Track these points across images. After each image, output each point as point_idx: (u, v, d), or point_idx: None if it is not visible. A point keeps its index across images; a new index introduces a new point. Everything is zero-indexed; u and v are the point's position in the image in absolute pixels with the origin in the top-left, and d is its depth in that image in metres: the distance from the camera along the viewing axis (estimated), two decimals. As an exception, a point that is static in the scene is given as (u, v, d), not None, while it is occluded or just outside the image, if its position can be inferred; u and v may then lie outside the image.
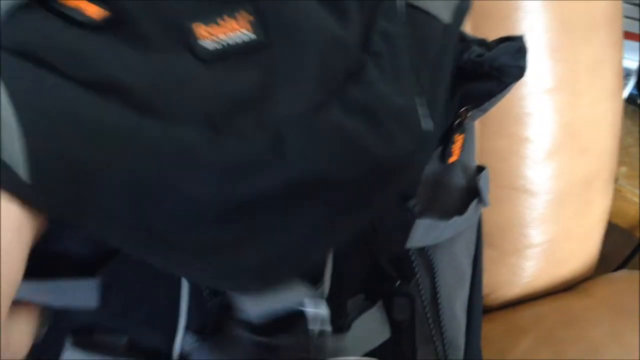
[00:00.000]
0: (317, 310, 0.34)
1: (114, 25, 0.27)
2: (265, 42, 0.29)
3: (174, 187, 0.27)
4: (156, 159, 0.26)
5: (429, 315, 0.43)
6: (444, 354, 0.44)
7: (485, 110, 0.41)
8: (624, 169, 0.80)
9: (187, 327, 0.35)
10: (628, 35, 0.87)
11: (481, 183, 0.44)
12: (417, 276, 0.42)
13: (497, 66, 0.37)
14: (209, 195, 0.27)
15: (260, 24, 0.29)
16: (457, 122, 0.40)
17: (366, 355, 0.40)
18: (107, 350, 0.34)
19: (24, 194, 0.24)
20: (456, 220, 0.41)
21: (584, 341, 0.65)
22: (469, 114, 0.40)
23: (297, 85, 0.29)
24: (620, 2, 0.67)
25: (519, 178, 0.68)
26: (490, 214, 0.70)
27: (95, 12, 0.27)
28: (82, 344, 0.34)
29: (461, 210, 0.42)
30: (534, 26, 0.64)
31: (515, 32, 0.53)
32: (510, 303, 0.74)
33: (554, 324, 0.68)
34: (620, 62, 0.68)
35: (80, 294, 0.31)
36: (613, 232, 0.78)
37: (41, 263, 0.28)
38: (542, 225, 0.70)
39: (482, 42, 0.39)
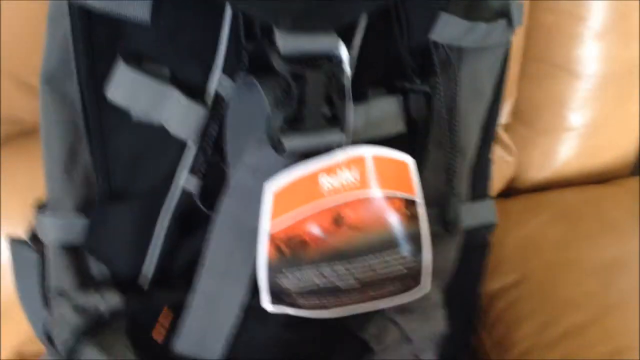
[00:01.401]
0: (342, 53, 0.38)
1: None
2: None
3: None
4: None
5: (443, 118, 0.46)
6: (454, 160, 0.47)
7: None
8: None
9: (224, 70, 0.40)
10: None
11: (513, 6, 0.46)
12: (437, 77, 0.45)
13: None
14: None
15: None
16: None
17: (380, 143, 0.44)
18: (153, 76, 0.40)
19: None
20: (479, 26, 0.44)
21: (601, 220, 0.67)
22: None
23: None
24: None
25: (564, 56, 0.69)
26: (530, 91, 0.71)
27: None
28: (132, 65, 0.39)
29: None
30: None
31: None
32: (539, 188, 0.76)
33: (574, 202, 0.70)
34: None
35: (136, 6, 0.36)
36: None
37: None
38: (581, 108, 0.71)
39: None
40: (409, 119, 0.46)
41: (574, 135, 0.73)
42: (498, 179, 0.76)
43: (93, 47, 0.40)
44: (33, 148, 0.61)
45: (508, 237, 0.69)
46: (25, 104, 0.57)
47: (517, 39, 0.68)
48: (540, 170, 0.75)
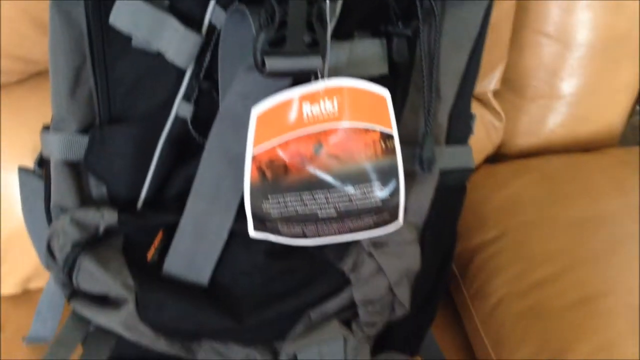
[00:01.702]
0: None
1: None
2: None
3: None
4: None
5: (424, 63, 0.49)
6: (431, 103, 0.50)
7: None
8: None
9: (217, 2, 0.44)
10: None
11: None
12: (420, 23, 0.48)
13: None
14: None
15: None
16: None
17: (363, 82, 0.47)
18: (153, 4, 0.43)
19: None
20: None
21: (581, 183, 0.70)
22: None
23: None
24: None
25: (553, 25, 0.71)
26: (519, 58, 0.74)
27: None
28: None
29: None
30: None
31: None
32: (527, 154, 0.79)
33: (557, 167, 0.73)
34: None
35: None
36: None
37: None
38: (569, 77, 0.74)
39: None
40: (392, 62, 0.50)
41: (562, 103, 0.75)
42: (487, 145, 0.79)
43: None
44: (46, 87, 0.65)
45: (491, 197, 0.72)
46: (41, 44, 0.61)
47: (509, 7, 0.71)
48: (528, 137, 0.78)
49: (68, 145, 0.48)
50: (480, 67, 0.53)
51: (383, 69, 0.49)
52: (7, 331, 0.71)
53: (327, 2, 0.42)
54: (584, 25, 0.71)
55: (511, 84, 0.76)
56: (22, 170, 0.58)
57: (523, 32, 0.73)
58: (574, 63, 0.73)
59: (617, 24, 0.71)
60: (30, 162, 0.60)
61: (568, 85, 0.74)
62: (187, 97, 0.47)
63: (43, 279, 0.63)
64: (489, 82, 0.75)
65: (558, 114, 0.76)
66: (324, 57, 0.42)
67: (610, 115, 0.77)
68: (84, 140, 0.48)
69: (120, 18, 0.43)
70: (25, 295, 0.75)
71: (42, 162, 0.54)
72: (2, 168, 0.65)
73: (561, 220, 0.65)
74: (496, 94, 0.77)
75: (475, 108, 0.76)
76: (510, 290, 0.63)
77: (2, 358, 0.68)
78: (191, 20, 0.44)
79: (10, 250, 0.70)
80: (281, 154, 0.45)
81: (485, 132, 0.77)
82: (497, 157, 0.81)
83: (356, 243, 0.52)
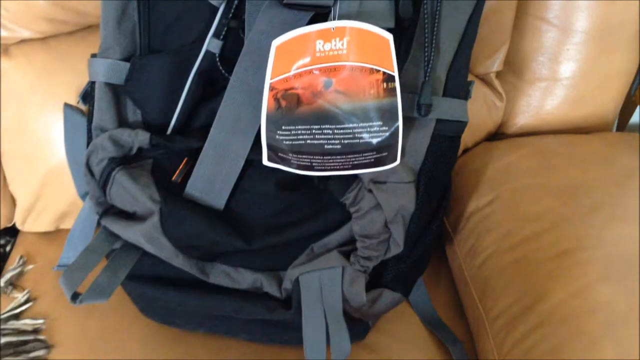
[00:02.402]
0: None
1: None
2: None
3: None
4: None
5: (427, 20, 0.56)
6: (431, 56, 0.57)
7: None
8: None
9: None
10: None
11: None
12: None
13: None
14: None
15: None
16: None
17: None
18: None
19: None
20: None
21: (572, 156, 0.75)
22: None
23: None
24: None
25: (550, 11, 0.78)
26: (518, 42, 0.81)
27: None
28: None
29: None
30: None
31: None
32: (524, 134, 0.84)
33: (551, 143, 0.79)
34: None
35: None
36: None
37: None
38: (566, 61, 0.80)
39: None
40: (398, 18, 0.56)
41: (559, 86, 0.81)
42: (488, 123, 0.85)
43: None
44: (91, 38, 0.73)
45: (487, 167, 0.78)
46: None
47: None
48: (526, 117, 0.84)
49: (112, 69, 0.55)
50: (477, 31, 0.60)
51: (390, 22, 0.56)
52: (38, 262, 0.79)
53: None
54: (582, 13, 0.77)
55: (512, 66, 0.83)
56: (67, 106, 0.65)
57: (525, 18, 0.79)
58: (572, 48, 0.79)
59: (612, 14, 0.77)
60: (74, 102, 0.68)
61: (565, 69, 0.80)
62: (217, 35, 0.54)
63: (74, 219, 0.69)
64: (492, 63, 0.81)
65: (555, 97, 0.82)
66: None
67: (604, 99, 0.83)
68: (125, 66, 0.55)
69: None
70: (58, 233, 0.82)
71: (86, 98, 0.62)
72: (47, 108, 0.72)
73: (550, 187, 0.71)
74: (499, 75, 0.83)
75: (479, 87, 0.83)
76: (498, 247, 0.68)
77: (31, 287, 0.75)
78: None
79: (47, 188, 0.77)
80: (295, 84, 0.51)
81: (487, 111, 0.83)
82: (497, 136, 0.87)
83: (358, 180, 0.59)
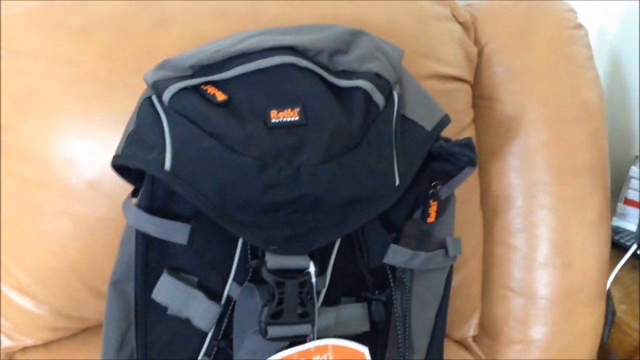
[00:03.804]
0: (311, 269, 0.56)
1: (228, 105, 0.55)
2: (303, 123, 0.55)
3: (237, 189, 0.52)
4: (231, 172, 0.52)
5: (398, 323, 0.62)
6: (405, 354, 0.62)
7: (451, 187, 0.62)
8: (623, 307, 0.94)
9: (235, 279, 0.58)
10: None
11: (449, 242, 0.64)
12: (392, 290, 0.62)
13: (451, 152, 0.60)
14: (256, 197, 0.52)
15: (303, 113, 0.55)
16: (430, 191, 0.62)
17: (349, 339, 0.60)
18: (186, 283, 0.58)
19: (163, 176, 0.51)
20: (420, 254, 0.61)
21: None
22: (439, 187, 0.62)
23: (314, 148, 0.55)
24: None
25: (514, 280, 0.86)
26: (490, 309, 0.87)
27: (221, 97, 0.55)
28: (172, 275, 0.58)
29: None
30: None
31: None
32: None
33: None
34: (606, 200, 0.87)
35: (177, 232, 0.55)
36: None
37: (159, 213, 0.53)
38: (535, 325, 0.85)
39: (446, 139, 0.63)
40: (372, 321, 0.62)
41: (533, 347, 0.86)
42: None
43: (147, 264, 0.59)
44: (92, 339, 0.77)
45: None
46: (94, 305, 0.74)
47: (476, 265, 0.86)
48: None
49: None
50: (446, 322, 0.66)
51: (365, 326, 0.62)
52: None
53: (314, 281, 0.56)
54: (541, 282, 0.85)
55: (488, 330, 0.88)
56: None
57: (491, 287, 0.87)
58: (538, 313, 0.85)
59: (568, 281, 0.85)
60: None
61: (536, 332, 0.86)
62: (208, 354, 0.59)
63: None
64: (467, 329, 0.86)
65: (531, 357, 0.86)
66: (313, 324, 0.55)
67: (579, 354, 0.87)
68: None
69: (160, 293, 0.57)
70: None
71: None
72: None
73: None
74: (475, 338, 0.88)
75: (458, 352, 0.87)
76: None
77: None
78: (213, 294, 0.58)
79: None
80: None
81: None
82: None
83: None
